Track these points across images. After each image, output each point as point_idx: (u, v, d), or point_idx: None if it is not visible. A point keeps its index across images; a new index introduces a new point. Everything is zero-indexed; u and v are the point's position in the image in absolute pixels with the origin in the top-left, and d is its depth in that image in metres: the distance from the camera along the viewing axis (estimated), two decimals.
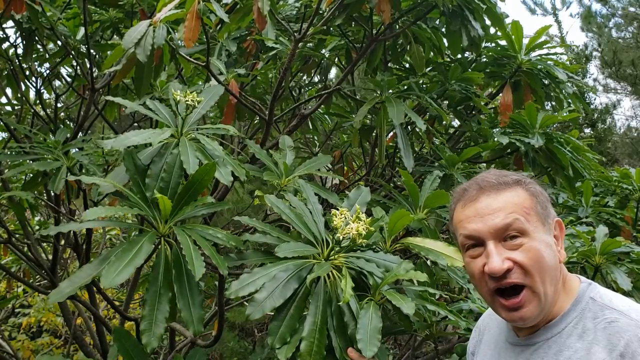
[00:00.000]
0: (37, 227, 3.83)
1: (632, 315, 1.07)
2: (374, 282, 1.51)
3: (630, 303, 1.11)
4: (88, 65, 2.82)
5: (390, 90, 2.70)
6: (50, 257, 3.23)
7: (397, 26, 2.91)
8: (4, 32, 3.09)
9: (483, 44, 3.00)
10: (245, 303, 3.85)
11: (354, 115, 3.45)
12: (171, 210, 1.53)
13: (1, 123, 3.04)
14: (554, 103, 3.28)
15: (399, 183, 3.16)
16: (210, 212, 1.62)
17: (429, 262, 1.84)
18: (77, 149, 2.64)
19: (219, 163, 1.63)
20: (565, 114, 3.07)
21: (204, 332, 2.66)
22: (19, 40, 3.15)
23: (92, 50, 2.95)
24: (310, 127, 3.81)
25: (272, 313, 1.45)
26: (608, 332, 1.07)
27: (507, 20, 2.98)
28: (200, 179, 1.56)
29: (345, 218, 1.49)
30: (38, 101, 3.43)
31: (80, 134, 2.92)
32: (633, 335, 1.05)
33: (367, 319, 1.39)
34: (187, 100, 1.69)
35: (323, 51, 3.29)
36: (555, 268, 1.13)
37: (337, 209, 1.51)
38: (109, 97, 1.81)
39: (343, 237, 1.47)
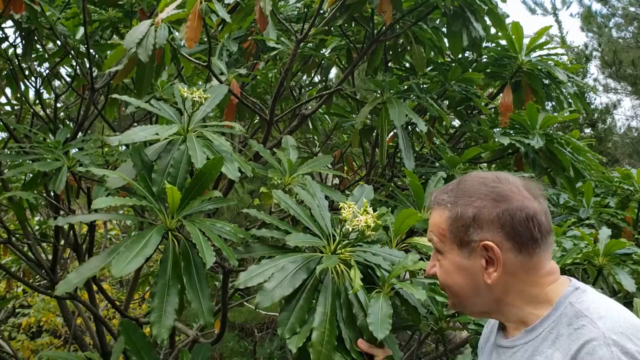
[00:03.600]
0: (37, 227, 3.83)
1: (598, 324, 1.05)
2: (381, 274, 1.52)
3: (608, 310, 1.09)
4: (87, 65, 2.81)
5: (392, 91, 2.70)
6: (50, 257, 3.23)
7: (398, 27, 2.91)
8: (4, 32, 3.08)
9: (483, 44, 3.00)
10: (245, 303, 3.85)
11: (354, 115, 3.44)
12: (179, 204, 1.53)
13: (1, 123, 3.03)
14: (554, 103, 3.28)
15: (399, 183, 3.16)
16: (216, 207, 1.63)
17: None
18: (77, 149, 2.63)
19: (227, 158, 1.63)
20: (565, 114, 3.07)
21: (205, 331, 2.65)
22: (18, 40, 3.15)
23: (91, 50, 2.94)
24: (311, 127, 3.81)
25: (276, 314, 1.45)
26: (571, 339, 1.07)
27: (508, 20, 2.98)
28: (208, 172, 1.56)
29: (354, 211, 1.50)
30: (38, 101, 3.42)
31: (80, 134, 2.92)
32: (587, 341, 1.04)
33: (377, 307, 1.41)
34: (194, 97, 1.69)
35: (323, 51, 3.29)
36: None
37: (344, 205, 1.52)
38: (115, 95, 1.81)
39: (352, 228, 1.48)
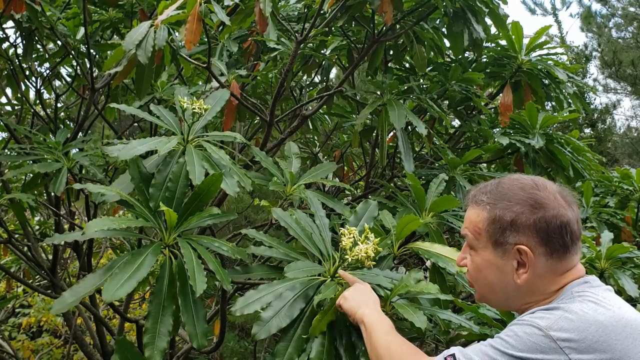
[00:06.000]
0: (37, 227, 3.83)
1: (563, 305, 1.12)
2: (385, 293, 1.52)
3: (596, 300, 1.12)
4: (88, 65, 2.81)
5: (392, 92, 2.70)
6: (50, 257, 3.23)
7: (399, 27, 2.90)
8: (4, 32, 3.08)
9: (484, 44, 2.99)
10: None
11: (354, 116, 3.44)
12: (177, 221, 1.52)
13: (1, 123, 3.03)
14: (554, 103, 3.28)
15: (399, 183, 3.16)
16: (215, 222, 1.62)
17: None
18: (77, 150, 2.63)
19: (226, 173, 1.62)
20: (565, 114, 3.07)
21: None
22: (18, 40, 3.15)
23: (92, 50, 2.93)
24: (311, 127, 3.80)
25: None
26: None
27: (507, 21, 2.97)
28: (207, 189, 1.56)
29: (354, 238, 1.49)
30: (38, 101, 3.42)
31: (80, 134, 2.92)
32: (548, 308, 1.13)
33: None
34: (194, 108, 1.68)
35: (324, 51, 3.28)
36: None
37: (344, 220, 1.50)
38: (114, 104, 1.81)
39: (352, 259, 1.48)
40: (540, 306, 1.18)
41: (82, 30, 3.05)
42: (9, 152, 2.70)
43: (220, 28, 2.91)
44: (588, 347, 1.04)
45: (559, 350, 1.04)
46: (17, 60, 3.16)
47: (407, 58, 3.22)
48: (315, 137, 4.29)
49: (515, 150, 2.93)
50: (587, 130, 9.67)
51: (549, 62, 3.06)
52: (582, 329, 1.06)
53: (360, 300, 1.38)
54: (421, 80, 3.15)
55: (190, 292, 1.46)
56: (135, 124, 3.88)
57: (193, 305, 1.46)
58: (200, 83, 3.19)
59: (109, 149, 1.61)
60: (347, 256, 1.48)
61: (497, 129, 3.12)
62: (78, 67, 3.19)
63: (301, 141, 4.08)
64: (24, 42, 3.02)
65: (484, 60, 3.20)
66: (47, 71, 3.49)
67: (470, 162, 2.85)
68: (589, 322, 1.07)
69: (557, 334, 1.05)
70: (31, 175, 2.68)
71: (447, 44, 3.02)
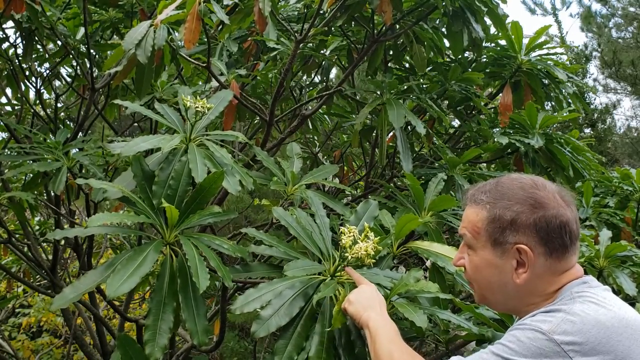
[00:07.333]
0: (37, 227, 3.83)
1: (564, 307, 1.11)
2: (384, 292, 1.52)
3: (596, 300, 1.12)
4: (88, 65, 2.81)
5: (392, 92, 2.70)
6: (50, 257, 3.23)
7: (398, 27, 2.91)
8: (4, 32, 3.08)
9: (483, 44, 3.00)
10: None
11: (354, 116, 3.44)
12: (178, 219, 1.52)
13: (1, 123, 3.03)
14: (553, 103, 3.28)
15: (399, 183, 3.16)
16: (216, 221, 1.62)
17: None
18: (77, 149, 2.64)
19: (227, 172, 1.63)
20: (565, 114, 3.07)
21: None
22: (18, 40, 3.15)
23: (92, 50, 2.94)
24: (310, 127, 3.81)
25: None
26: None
27: (507, 20, 2.97)
28: (208, 187, 1.56)
29: (354, 236, 1.49)
30: (38, 101, 3.42)
31: (80, 134, 2.92)
32: (549, 310, 1.13)
33: None
34: (197, 107, 1.69)
35: (324, 51, 3.29)
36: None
37: (344, 220, 1.50)
38: (117, 101, 1.81)
39: (352, 257, 1.48)
40: (540, 308, 1.17)
41: (82, 30, 3.05)
42: (9, 152, 2.70)
43: (220, 28, 2.91)
44: (592, 349, 1.04)
45: (563, 353, 1.04)
46: (17, 60, 3.16)
47: (407, 58, 3.22)
48: (315, 137, 4.30)
49: (514, 150, 2.94)
50: (587, 130, 9.67)
51: (549, 62, 3.06)
52: (584, 331, 1.06)
53: (365, 303, 1.37)
54: (421, 80, 3.15)
55: (191, 290, 1.46)
56: (135, 124, 3.89)
57: (194, 302, 1.46)
58: (200, 83, 3.20)
59: (111, 145, 1.61)
60: (347, 254, 1.48)
61: (497, 129, 3.12)
62: (78, 67, 3.19)
63: (301, 141, 4.08)
64: (24, 42, 3.02)
65: (484, 60, 3.21)
66: (47, 71, 3.49)
67: (469, 162, 2.85)
68: (591, 324, 1.06)
69: (561, 338, 1.05)
70: (31, 175, 2.68)
71: (447, 43, 3.02)
